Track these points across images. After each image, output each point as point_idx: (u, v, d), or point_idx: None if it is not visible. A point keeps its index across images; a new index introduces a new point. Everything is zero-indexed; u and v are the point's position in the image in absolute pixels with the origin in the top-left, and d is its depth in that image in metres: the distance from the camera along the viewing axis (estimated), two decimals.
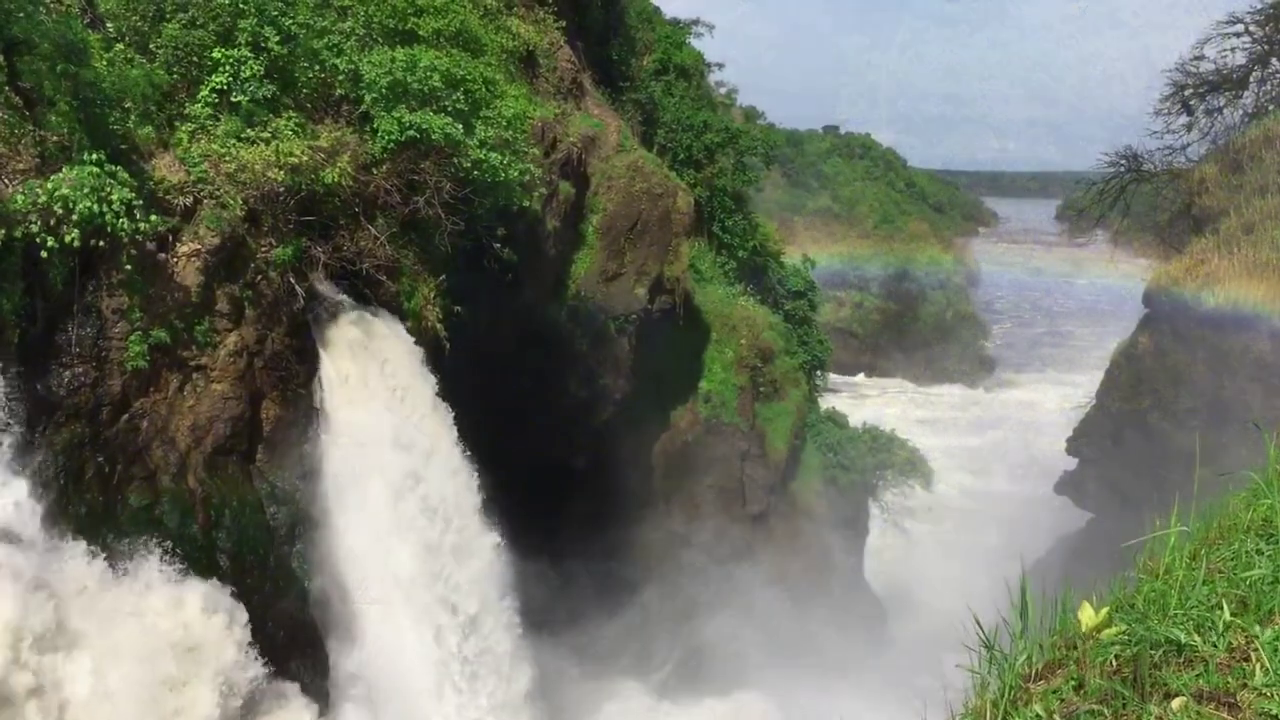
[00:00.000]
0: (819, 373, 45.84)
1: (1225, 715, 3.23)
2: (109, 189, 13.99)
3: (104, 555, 14.59)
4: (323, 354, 18.04)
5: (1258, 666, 3.39)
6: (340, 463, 18.13)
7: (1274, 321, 23.22)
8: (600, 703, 26.66)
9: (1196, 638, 3.59)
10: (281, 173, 16.63)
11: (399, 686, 18.50)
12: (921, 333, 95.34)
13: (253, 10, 16.94)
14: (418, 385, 19.20)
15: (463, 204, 19.73)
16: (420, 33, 20.23)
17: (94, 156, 14.17)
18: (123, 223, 14.13)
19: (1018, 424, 76.30)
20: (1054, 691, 3.61)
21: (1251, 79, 30.90)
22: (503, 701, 20.35)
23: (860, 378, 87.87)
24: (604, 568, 29.05)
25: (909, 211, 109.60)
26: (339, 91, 19.27)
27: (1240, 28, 30.37)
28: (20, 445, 14.01)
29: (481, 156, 19.52)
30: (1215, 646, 3.54)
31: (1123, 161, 33.01)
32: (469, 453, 20.03)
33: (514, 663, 20.94)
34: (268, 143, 16.68)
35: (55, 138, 14.54)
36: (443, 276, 20.32)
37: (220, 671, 15.22)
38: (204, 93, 16.72)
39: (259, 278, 16.97)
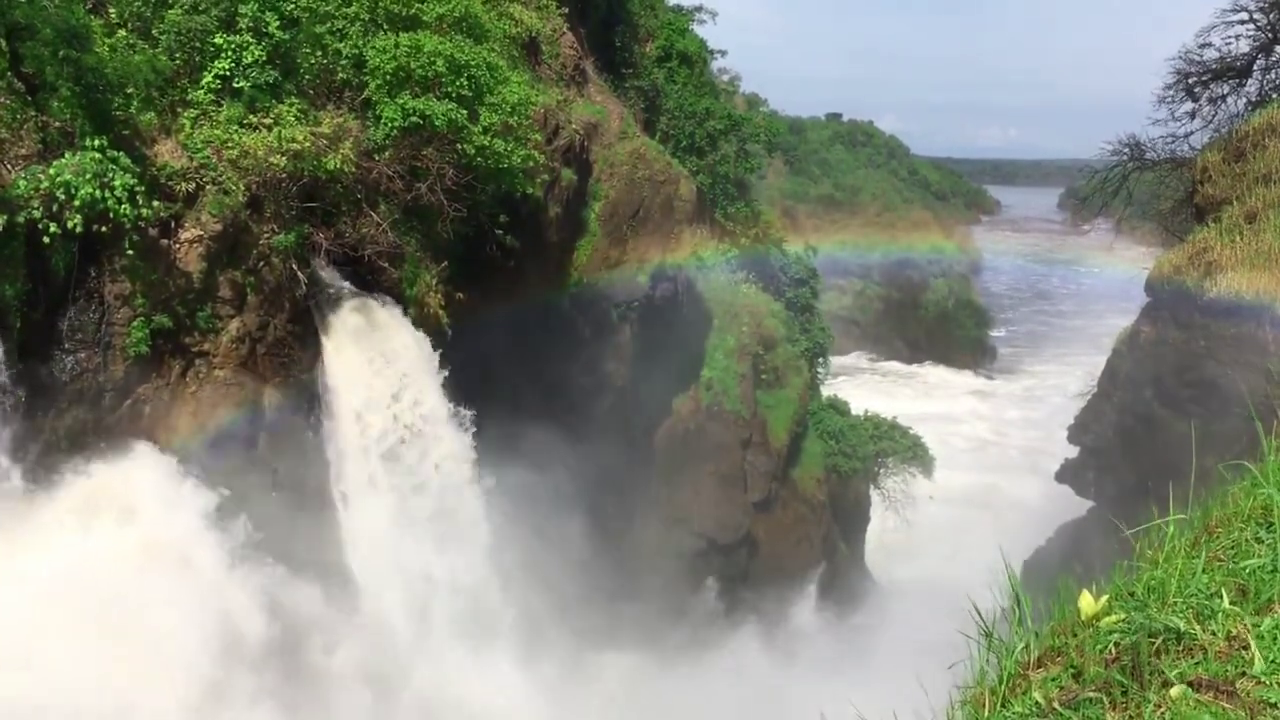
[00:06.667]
0: (821, 360, 45.87)
1: (1224, 704, 3.24)
2: (111, 175, 14.00)
3: None
4: (325, 340, 18.05)
5: (1257, 655, 3.40)
6: (344, 448, 18.19)
7: (1276, 310, 23.16)
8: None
9: (1195, 626, 3.59)
10: (284, 159, 16.62)
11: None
12: (924, 320, 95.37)
13: None
14: (419, 372, 19.22)
15: (465, 190, 19.71)
16: (424, 18, 20.17)
17: (96, 142, 14.17)
18: (125, 208, 14.15)
19: (1019, 411, 76.35)
20: (1053, 679, 3.62)
21: (1255, 67, 30.74)
22: None
23: (861, 360, 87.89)
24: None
25: (911, 199, 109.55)
26: (341, 77, 19.24)
27: (1244, 15, 30.24)
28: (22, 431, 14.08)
29: (485, 143, 19.49)
30: (1214, 635, 3.55)
31: (1125, 149, 32.82)
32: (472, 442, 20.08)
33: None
34: (270, 129, 16.65)
35: (57, 123, 14.54)
36: (445, 263, 20.31)
37: None
38: (207, 79, 16.69)
39: (261, 264, 16.97)
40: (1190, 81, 31.22)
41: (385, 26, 19.77)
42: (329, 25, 19.17)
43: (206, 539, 15.84)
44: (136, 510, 15.30)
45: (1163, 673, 3.40)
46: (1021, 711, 3.51)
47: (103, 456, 15.11)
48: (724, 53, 50.36)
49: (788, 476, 37.51)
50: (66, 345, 14.72)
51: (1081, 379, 47.63)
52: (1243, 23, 30.30)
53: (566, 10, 28.50)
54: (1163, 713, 3.26)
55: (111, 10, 16.67)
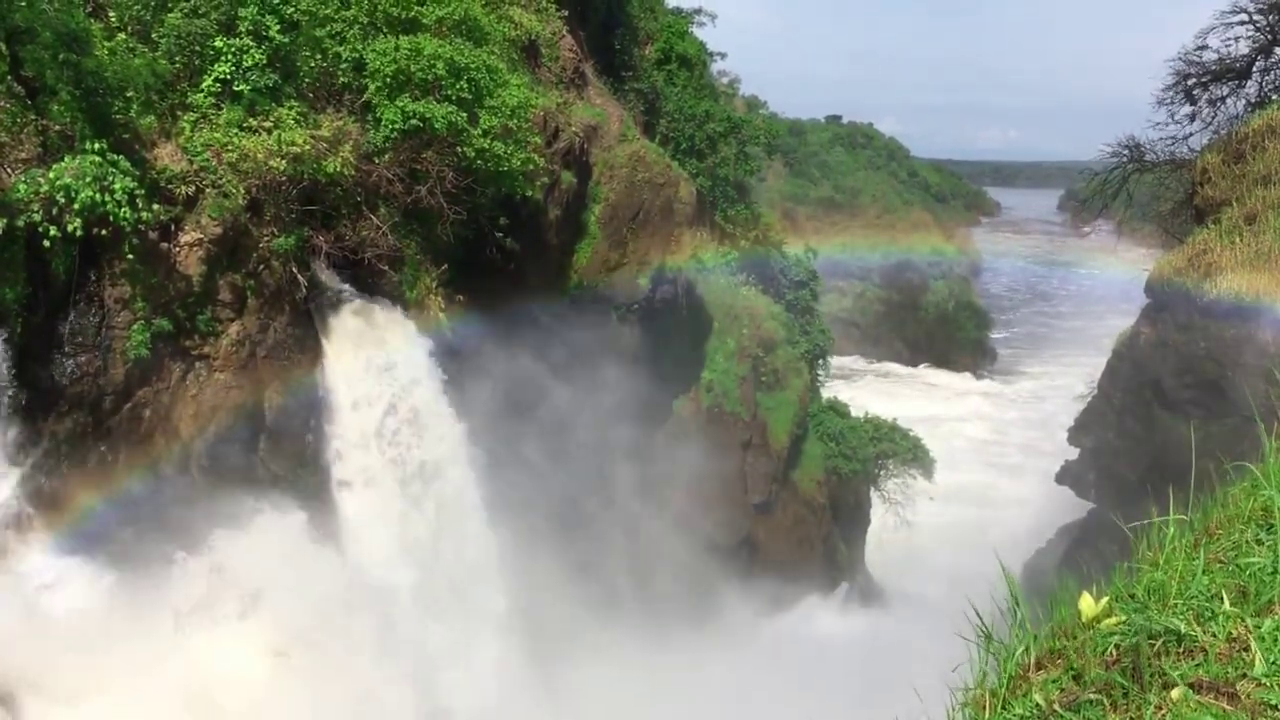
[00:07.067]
0: (821, 362, 45.88)
1: (1225, 705, 3.23)
2: (111, 178, 14.00)
3: None
4: (325, 343, 18.05)
5: (1258, 656, 3.40)
6: (344, 452, 18.17)
7: (1276, 311, 23.20)
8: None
9: (1196, 628, 3.59)
10: (283, 162, 16.62)
11: None
12: (924, 322, 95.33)
13: None
14: (420, 375, 19.21)
15: (465, 193, 19.72)
16: (423, 21, 20.17)
17: (96, 146, 14.17)
18: (125, 212, 14.14)
19: (1019, 412, 76.35)
20: (1054, 681, 3.62)
21: (1254, 68, 30.82)
22: None
23: (861, 362, 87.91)
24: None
25: (911, 201, 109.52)
26: (341, 80, 19.25)
27: (1243, 16, 30.31)
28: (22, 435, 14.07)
29: (485, 146, 19.49)
30: (1215, 636, 3.54)
31: (1125, 151, 32.91)
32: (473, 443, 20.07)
33: None
34: (270, 132, 16.66)
35: (57, 127, 14.54)
36: (445, 266, 20.31)
37: None
38: (207, 82, 16.70)
39: (261, 267, 16.98)
40: (1190, 83, 31.28)
41: (385, 30, 19.78)
42: (328, 29, 19.18)
43: (349, 625, 14.43)
44: (263, 596, 14.23)
45: (1163, 674, 3.40)
46: (1022, 713, 3.50)
47: (220, 523, 14.37)
48: (724, 55, 50.48)
49: (788, 478, 37.50)
50: (66, 349, 14.72)
51: (1082, 380, 47.69)
52: (1242, 24, 30.40)
53: (566, 13, 28.49)
54: (1163, 715, 3.26)
55: (111, 14, 16.68)
